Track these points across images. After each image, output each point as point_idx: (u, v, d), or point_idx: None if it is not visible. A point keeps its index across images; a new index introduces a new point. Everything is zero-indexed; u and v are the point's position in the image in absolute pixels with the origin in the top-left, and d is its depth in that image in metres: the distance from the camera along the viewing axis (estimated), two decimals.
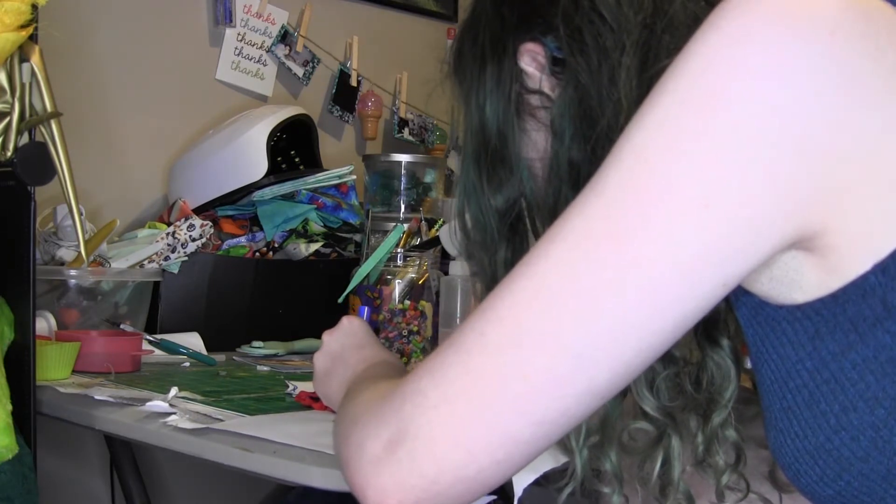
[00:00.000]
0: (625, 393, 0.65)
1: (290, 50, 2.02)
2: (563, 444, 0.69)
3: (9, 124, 1.05)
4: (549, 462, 0.85)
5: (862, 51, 0.51)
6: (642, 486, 0.68)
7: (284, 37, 2.00)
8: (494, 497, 0.86)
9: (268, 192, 1.67)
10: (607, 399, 0.55)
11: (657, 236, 0.51)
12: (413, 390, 0.57)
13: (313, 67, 2.06)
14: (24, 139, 1.07)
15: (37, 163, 1.07)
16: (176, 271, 1.55)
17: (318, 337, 1.61)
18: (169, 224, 1.60)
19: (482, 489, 0.56)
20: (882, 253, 0.50)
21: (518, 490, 0.81)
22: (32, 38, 1.05)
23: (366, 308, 1.18)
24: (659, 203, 0.51)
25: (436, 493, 0.55)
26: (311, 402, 1.09)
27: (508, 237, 0.71)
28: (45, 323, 1.35)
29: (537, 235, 0.71)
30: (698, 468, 0.68)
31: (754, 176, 0.50)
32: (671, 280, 0.51)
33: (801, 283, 0.54)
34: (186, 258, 1.56)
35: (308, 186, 1.69)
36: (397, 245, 1.45)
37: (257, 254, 1.66)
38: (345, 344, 0.94)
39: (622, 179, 0.52)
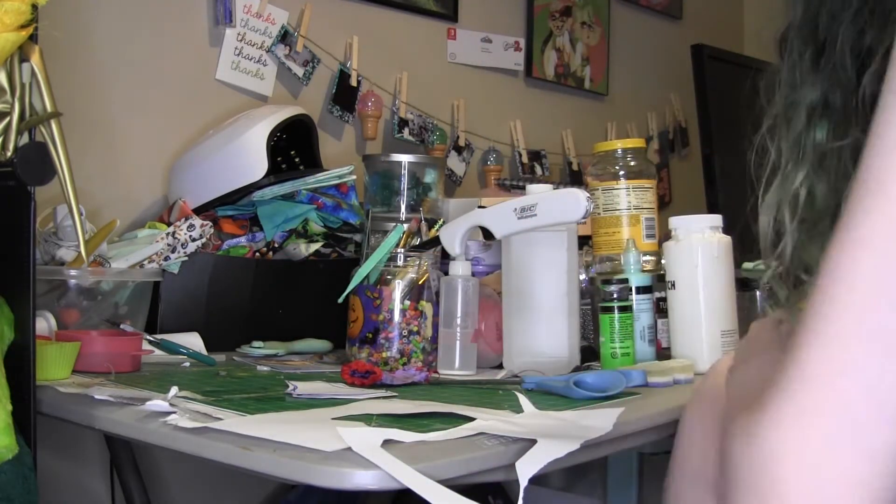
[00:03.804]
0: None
1: (290, 50, 2.02)
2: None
3: (9, 124, 1.05)
4: (553, 452, 0.85)
5: None
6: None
7: (284, 37, 2.00)
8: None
9: (268, 193, 1.67)
10: None
11: None
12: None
13: (313, 67, 2.07)
14: (24, 139, 1.07)
15: (37, 163, 1.07)
16: (176, 271, 1.55)
17: (319, 337, 1.63)
18: (169, 224, 1.60)
19: None
20: None
21: (523, 481, 0.81)
22: (32, 38, 1.04)
23: None
24: None
25: None
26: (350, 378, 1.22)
27: None
28: (45, 323, 1.35)
29: None
30: None
31: None
32: None
33: None
34: (186, 258, 1.56)
35: (308, 186, 1.69)
36: (397, 245, 1.45)
37: (257, 254, 1.66)
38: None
39: None
